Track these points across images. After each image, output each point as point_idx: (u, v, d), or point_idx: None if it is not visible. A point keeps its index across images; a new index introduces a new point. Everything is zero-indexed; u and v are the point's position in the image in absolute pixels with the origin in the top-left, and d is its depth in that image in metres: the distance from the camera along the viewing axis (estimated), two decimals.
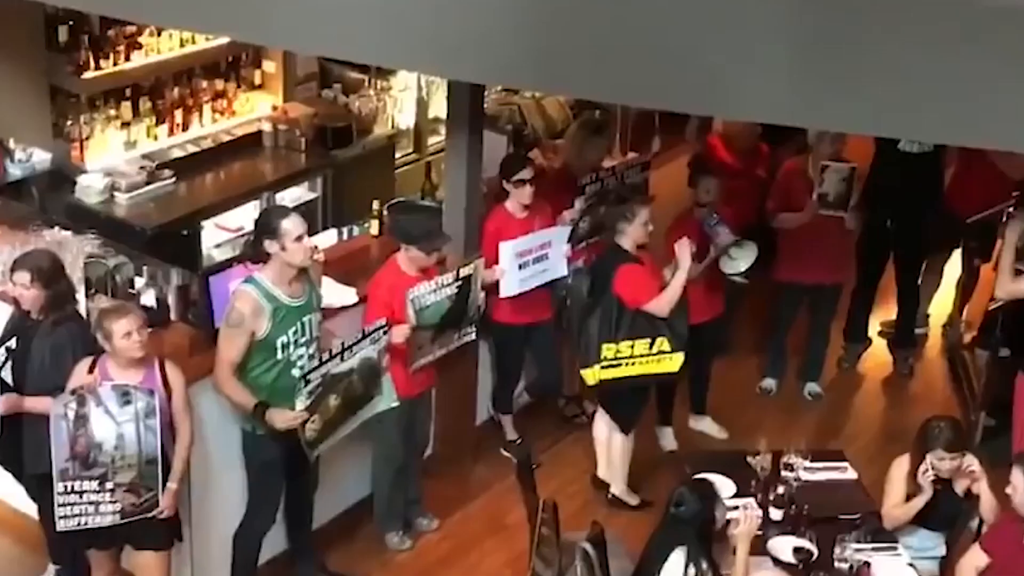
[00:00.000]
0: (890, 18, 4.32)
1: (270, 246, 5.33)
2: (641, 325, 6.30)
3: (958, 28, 4.26)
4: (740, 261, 6.63)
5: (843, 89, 4.50)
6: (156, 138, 7.92)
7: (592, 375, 6.40)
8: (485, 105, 6.76)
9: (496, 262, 6.51)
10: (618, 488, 6.78)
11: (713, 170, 6.90)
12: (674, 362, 6.36)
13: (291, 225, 5.32)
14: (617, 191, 6.81)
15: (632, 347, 6.31)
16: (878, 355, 8.48)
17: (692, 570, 4.75)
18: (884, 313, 8.54)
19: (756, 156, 7.81)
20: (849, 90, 4.49)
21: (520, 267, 6.57)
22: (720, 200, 6.78)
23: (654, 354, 6.34)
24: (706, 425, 7.47)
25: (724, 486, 5.37)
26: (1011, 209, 6.89)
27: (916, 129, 5.08)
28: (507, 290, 6.57)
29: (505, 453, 7.13)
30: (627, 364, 6.35)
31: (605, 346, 6.31)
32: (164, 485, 5.13)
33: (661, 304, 6.25)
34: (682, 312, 6.33)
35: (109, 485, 5.00)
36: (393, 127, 8.90)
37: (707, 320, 6.94)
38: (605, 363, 6.34)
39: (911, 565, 5.32)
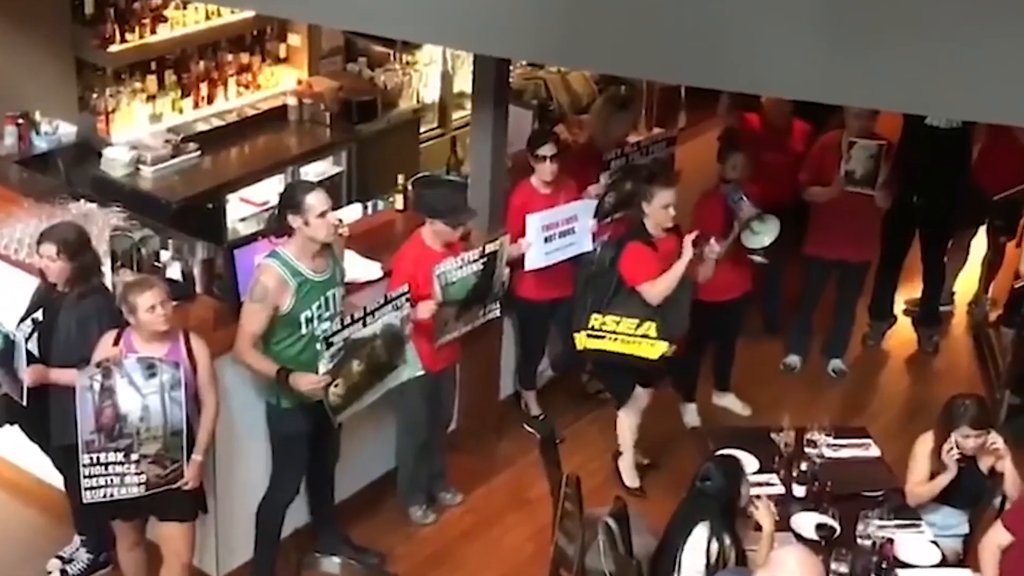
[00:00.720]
0: None
1: (294, 221, 5.34)
2: (633, 304, 6.23)
3: (988, 4, 4.23)
4: (764, 235, 6.57)
5: (871, 65, 4.47)
6: (181, 111, 7.95)
7: (580, 340, 6.39)
8: (510, 80, 6.73)
9: (521, 237, 6.50)
10: (623, 462, 6.76)
11: (741, 146, 6.85)
12: (655, 349, 6.24)
13: (315, 200, 5.32)
14: (647, 169, 6.77)
15: (618, 323, 6.25)
16: (903, 333, 8.45)
17: (715, 545, 4.76)
18: (909, 291, 8.50)
19: (790, 132, 7.76)
20: (876, 66, 4.47)
21: (546, 240, 6.55)
22: (751, 175, 6.72)
23: (639, 336, 6.24)
24: (729, 401, 7.46)
25: (747, 462, 5.36)
26: None
27: (942, 106, 5.04)
28: (532, 263, 6.56)
29: (528, 429, 7.14)
30: (610, 338, 6.29)
31: (594, 315, 6.29)
32: (189, 457, 5.16)
33: (652, 289, 6.16)
34: (678, 304, 6.23)
35: (134, 456, 5.03)
36: (418, 101, 8.90)
37: (734, 297, 6.93)
38: (591, 332, 6.31)
39: (934, 542, 5.32)
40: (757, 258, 6.74)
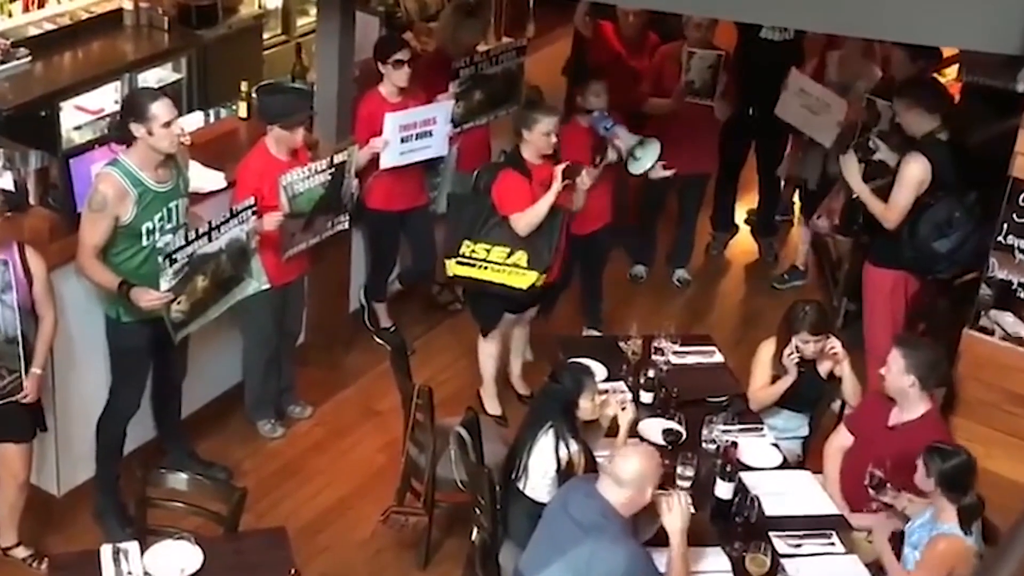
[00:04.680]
0: None
1: (136, 129, 5.14)
2: (505, 233, 6.12)
3: None
4: (646, 160, 6.43)
5: None
6: (11, 15, 7.58)
7: (450, 267, 6.29)
8: None
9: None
10: (484, 390, 6.69)
11: (598, 71, 6.80)
12: (525, 279, 6.15)
13: (160, 109, 5.13)
14: (528, 99, 6.67)
15: (488, 251, 6.15)
16: (744, 242, 8.64)
17: (563, 451, 4.82)
18: (751, 201, 8.67)
19: (644, 44, 7.77)
20: None
21: (402, 140, 6.46)
22: (609, 91, 6.63)
23: (509, 265, 6.15)
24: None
25: (596, 370, 5.43)
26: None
27: (776, 14, 5.12)
28: (387, 162, 6.47)
29: (379, 340, 7.11)
30: (480, 267, 6.19)
31: (465, 242, 6.18)
32: (28, 370, 4.99)
33: (520, 221, 6.06)
34: (547, 235, 6.12)
35: None
36: (260, 7, 8.65)
37: (596, 229, 6.85)
38: (461, 259, 6.20)
39: (775, 445, 5.48)
40: (662, 172, 6.59)
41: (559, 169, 6.08)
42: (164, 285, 5.14)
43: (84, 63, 7.70)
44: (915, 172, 6.01)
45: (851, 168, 6.28)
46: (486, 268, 6.20)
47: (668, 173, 6.65)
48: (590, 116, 6.54)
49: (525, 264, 6.15)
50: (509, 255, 6.16)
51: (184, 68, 8.06)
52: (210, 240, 5.29)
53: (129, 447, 5.80)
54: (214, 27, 8.15)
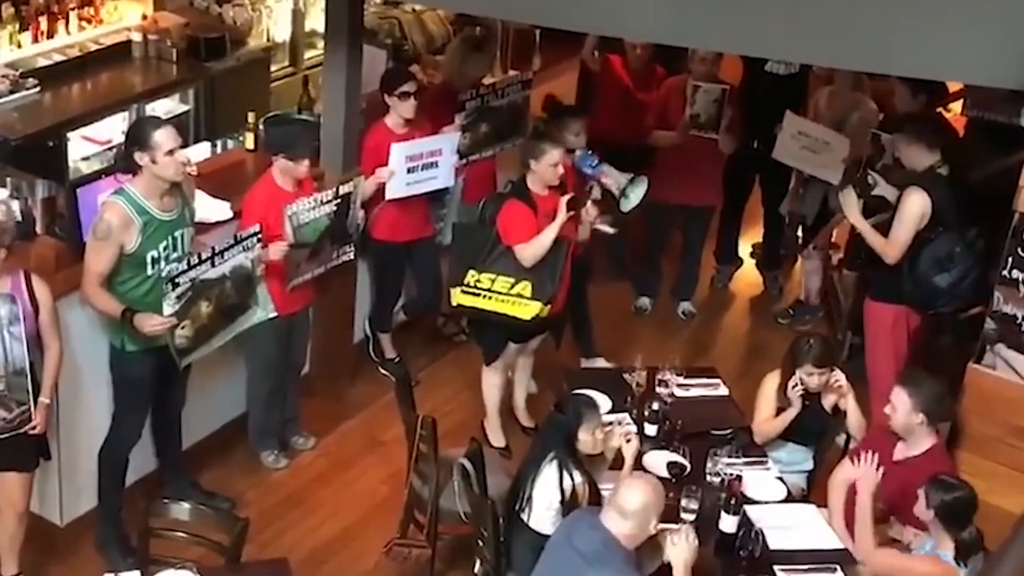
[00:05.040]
0: None
1: (141, 158, 5.18)
2: (509, 263, 6.12)
3: None
4: (634, 196, 6.41)
5: (714, 11, 4.54)
6: (20, 45, 7.63)
7: (455, 296, 6.28)
8: (364, 19, 6.62)
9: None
10: (488, 422, 6.68)
11: (578, 109, 6.82)
12: (529, 309, 6.15)
13: (163, 137, 5.17)
14: (536, 128, 6.68)
15: (493, 281, 6.15)
16: (749, 275, 8.64)
17: (567, 482, 4.81)
18: (755, 235, 8.68)
19: (650, 78, 7.81)
20: (720, 11, 4.54)
21: (408, 171, 6.48)
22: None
23: (512, 295, 6.15)
24: (601, 364, 7.30)
25: (601, 402, 5.42)
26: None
27: (778, 48, 5.15)
28: (393, 192, 6.48)
29: (383, 372, 7.11)
30: (485, 296, 6.18)
31: (470, 271, 6.19)
32: (36, 400, 4.99)
33: (525, 251, 6.06)
34: (551, 265, 6.11)
35: None
36: (268, 40, 8.70)
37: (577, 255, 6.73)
38: (466, 288, 6.21)
39: (780, 479, 5.46)
40: (606, 228, 6.55)
41: (564, 200, 6.09)
42: (167, 309, 5.15)
43: (92, 94, 7.74)
44: (915, 206, 6.02)
45: (850, 203, 6.28)
46: (490, 298, 6.20)
47: (611, 231, 6.59)
48: (572, 155, 6.43)
49: (529, 295, 6.14)
50: (513, 285, 6.15)
51: (192, 99, 8.10)
52: (213, 265, 5.30)
53: (131, 478, 5.79)
54: (222, 59, 8.19)
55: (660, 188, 7.53)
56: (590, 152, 6.49)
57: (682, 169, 7.39)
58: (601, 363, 7.30)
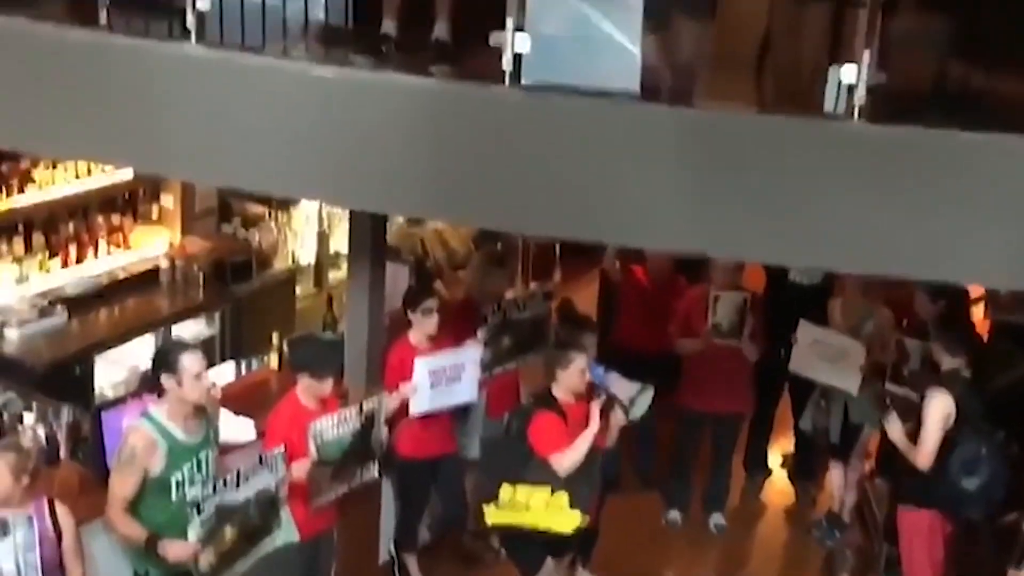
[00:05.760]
0: (775, 152, 4.45)
1: (167, 381, 5.20)
2: (544, 474, 6.04)
3: (838, 159, 4.40)
4: (642, 404, 6.37)
5: (734, 219, 4.60)
6: (49, 271, 7.77)
7: (490, 514, 6.19)
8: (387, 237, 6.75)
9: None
10: None
11: (586, 323, 6.86)
12: (569, 521, 6.06)
13: (190, 361, 5.22)
14: (557, 336, 6.72)
15: (529, 494, 6.06)
16: (781, 484, 8.50)
17: None
18: (786, 443, 8.58)
19: (673, 286, 7.88)
20: (740, 220, 4.59)
21: (432, 386, 6.47)
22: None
23: (551, 507, 6.05)
24: None
25: None
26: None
27: (798, 257, 5.20)
28: (417, 407, 6.45)
29: None
30: (523, 511, 6.09)
31: (504, 487, 6.11)
32: None
33: (563, 461, 6.00)
34: (586, 473, 6.07)
35: None
36: (294, 262, 8.85)
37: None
38: (501, 505, 6.11)
39: None
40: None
41: (596, 405, 6.06)
42: (192, 535, 5.07)
43: (119, 319, 7.86)
44: (939, 408, 6.01)
45: (892, 423, 6.26)
46: (528, 511, 6.10)
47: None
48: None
49: (567, 505, 6.05)
50: (551, 496, 6.06)
51: (217, 322, 8.20)
52: (238, 488, 5.25)
53: None
54: (248, 282, 8.32)
55: (687, 396, 7.54)
56: (597, 362, 6.49)
57: (709, 377, 7.37)
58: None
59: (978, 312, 7.92)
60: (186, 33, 4.77)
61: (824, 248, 4.67)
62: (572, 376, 6.11)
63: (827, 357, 7.27)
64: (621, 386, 6.39)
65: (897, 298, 7.51)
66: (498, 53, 4.52)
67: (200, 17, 4.75)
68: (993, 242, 4.37)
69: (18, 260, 7.62)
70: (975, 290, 7.45)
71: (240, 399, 6.23)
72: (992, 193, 4.26)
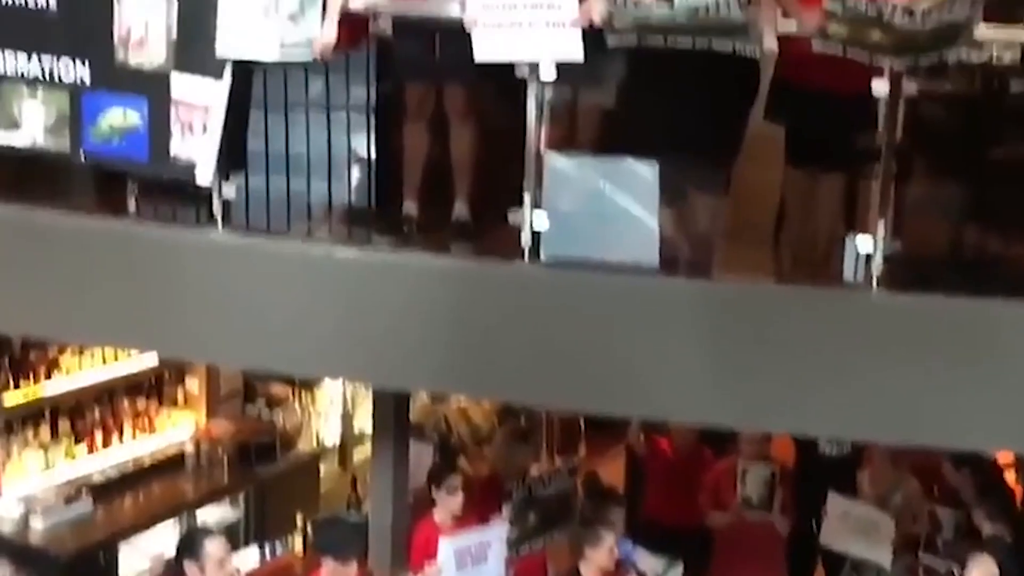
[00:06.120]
0: (797, 322, 4.48)
1: (190, 568, 5.17)
2: None
3: (859, 328, 4.43)
4: None
5: (757, 390, 4.60)
6: (74, 456, 7.77)
7: None
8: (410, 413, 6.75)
9: None
10: None
11: (613, 496, 6.82)
12: None
13: (214, 548, 5.21)
14: (583, 511, 6.68)
15: None
16: None
17: None
18: None
19: (699, 459, 7.81)
20: (763, 391, 4.59)
21: (458, 566, 6.37)
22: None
23: None
24: None
25: None
26: None
27: (824, 426, 5.18)
28: None
29: None
30: None
31: None
32: None
33: None
34: None
35: None
36: (318, 443, 8.84)
37: None
38: None
39: None
40: None
41: None
42: None
43: (145, 505, 7.80)
44: (985, 574, 5.86)
45: None
46: None
47: None
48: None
49: None
50: None
51: (242, 505, 8.14)
52: None
53: None
54: (272, 463, 8.29)
55: (721, 571, 7.40)
56: (625, 537, 6.43)
57: (741, 551, 7.24)
58: None
59: (1010, 477, 7.80)
60: (212, 219, 4.89)
61: (848, 417, 4.66)
62: (601, 555, 6.02)
63: (858, 530, 7.14)
64: (649, 562, 6.31)
65: (924, 466, 7.43)
66: (517, 230, 4.61)
67: (225, 205, 4.88)
68: (1018, 408, 4.35)
69: (44, 447, 7.62)
70: (1004, 456, 7.36)
71: None
72: (1014, 359, 4.27)
